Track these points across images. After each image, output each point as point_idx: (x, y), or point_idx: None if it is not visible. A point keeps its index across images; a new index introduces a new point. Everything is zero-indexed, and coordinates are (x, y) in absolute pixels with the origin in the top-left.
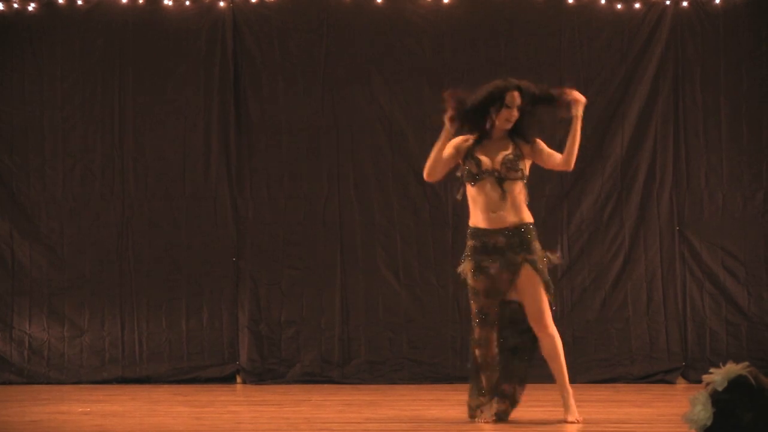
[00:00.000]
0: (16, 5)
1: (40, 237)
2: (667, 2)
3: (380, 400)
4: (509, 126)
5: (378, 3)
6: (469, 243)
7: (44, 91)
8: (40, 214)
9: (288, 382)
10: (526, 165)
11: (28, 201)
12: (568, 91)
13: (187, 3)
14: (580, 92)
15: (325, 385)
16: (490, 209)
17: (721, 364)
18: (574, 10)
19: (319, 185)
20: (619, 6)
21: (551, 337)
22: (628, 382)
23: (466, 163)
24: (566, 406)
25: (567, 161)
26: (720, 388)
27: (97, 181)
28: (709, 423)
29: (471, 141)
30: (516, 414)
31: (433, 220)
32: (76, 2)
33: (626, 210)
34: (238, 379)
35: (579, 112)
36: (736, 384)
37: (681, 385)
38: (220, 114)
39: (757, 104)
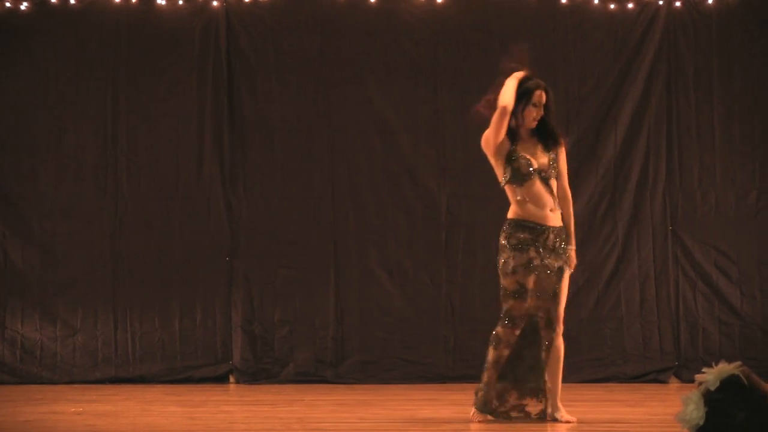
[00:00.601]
0: (8, 4)
1: (32, 237)
2: (660, 2)
3: (373, 400)
4: (534, 124)
5: (371, 3)
6: (521, 235)
7: (37, 90)
8: (32, 214)
9: (281, 382)
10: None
11: (20, 200)
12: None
13: (181, 2)
14: (574, 92)
15: (319, 385)
16: (547, 206)
17: (713, 364)
18: (567, 10)
19: (313, 185)
20: (612, 6)
21: (561, 344)
22: (621, 382)
23: (512, 164)
24: (557, 407)
25: (563, 200)
26: (712, 388)
27: (90, 180)
28: (701, 422)
29: (507, 143)
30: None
31: (427, 219)
32: (69, 1)
33: (619, 210)
34: (232, 379)
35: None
36: (728, 383)
37: (674, 384)
38: (214, 113)
39: (750, 104)
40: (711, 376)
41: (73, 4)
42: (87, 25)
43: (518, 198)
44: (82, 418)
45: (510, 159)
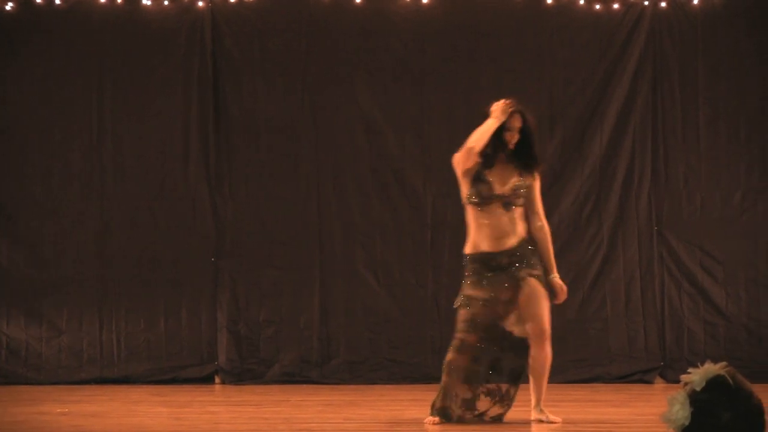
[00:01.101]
0: None
1: (18, 237)
2: (646, 3)
3: (359, 400)
4: (510, 147)
5: (357, 3)
6: (471, 266)
7: (23, 90)
8: (18, 214)
9: (267, 383)
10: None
11: (7, 200)
12: (557, 298)
13: (166, 3)
14: (559, 93)
15: (305, 386)
16: (495, 235)
17: (699, 364)
18: (553, 11)
19: (299, 185)
20: (597, 6)
21: (547, 356)
22: (606, 382)
23: (474, 185)
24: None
25: (532, 229)
26: (698, 388)
27: (76, 180)
28: (687, 423)
29: (480, 165)
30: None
31: (413, 220)
32: (54, 2)
33: (605, 210)
34: (217, 380)
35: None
36: (714, 384)
37: (659, 384)
38: (200, 114)
39: (735, 105)
40: (696, 376)
41: (59, 5)
42: (73, 25)
43: (477, 220)
44: (67, 419)
45: (476, 179)
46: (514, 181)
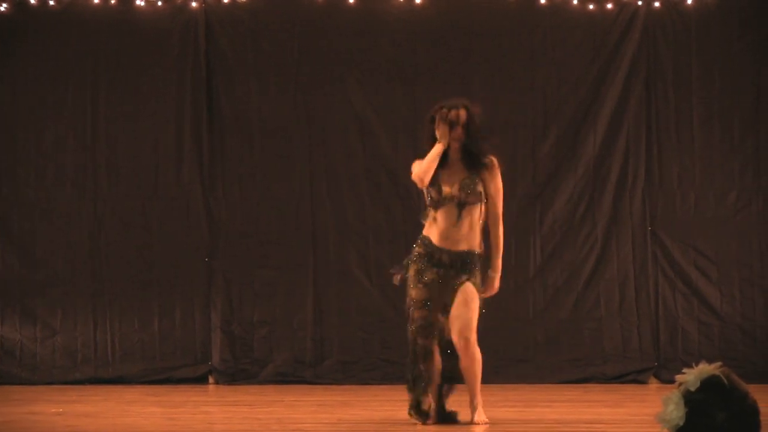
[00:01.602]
0: None
1: (12, 237)
2: (639, 3)
3: (353, 401)
4: (456, 144)
5: (350, 3)
6: (417, 249)
7: (16, 91)
8: (11, 215)
9: (261, 383)
10: (485, 187)
11: (0, 201)
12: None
13: (159, 3)
14: (553, 93)
15: (298, 386)
16: (445, 234)
17: (693, 364)
18: (546, 11)
19: (292, 185)
20: (591, 6)
21: (473, 355)
22: (600, 382)
23: (429, 190)
24: (475, 408)
25: (492, 225)
26: (693, 388)
27: (70, 181)
28: (681, 423)
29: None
30: (488, 414)
31: (406, 220)
32: (48, 2)
33: (599, 210)
34: (211, 380)
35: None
36: (708, 384)
37: (653, 385)
38: (193, 114)
39: (729, 104)
40: (691, 376)
41: (53, 6)
42: (66, 26)
43: (433, 216)
44: (62, 419)
45: (431, 184)
46: (462, 179)
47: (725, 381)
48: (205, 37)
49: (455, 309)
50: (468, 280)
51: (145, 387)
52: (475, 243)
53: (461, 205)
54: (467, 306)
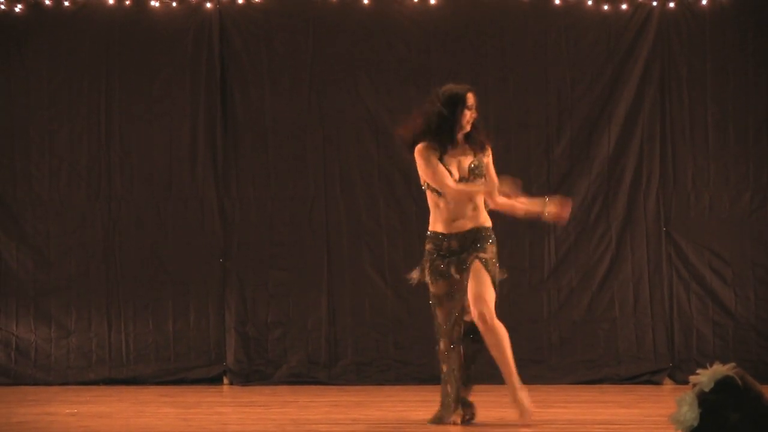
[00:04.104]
0: (2, 6)
1: (26, 238)
2: (654, 3)
3: (367, 401)
4: (469, 128)
5: (364, 4)
6: (427, 247)
7: (30, 91)
8: (26, 215)
9: (275, 383)
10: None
11: (14, 202)
12: (564, 212)
13: (174, 4)
14: (567, 93)
15: (312, 386)
16: (452, 217)
17: (707, 365)
18: (560, 11)
19: (306, 186)
20: (605, 7)
21: (494, 329)
22: (614, 383)
23: None
24: (516, 403)
25: (497, 205)
26: (707, 389)
27: (84, 182)
28: (695, 423)
29: (438, 151)
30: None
31: (420, 220)
32: (62, 3)
33: (613, 210)
34: (225, 380)
35: (548, 218)
36: (722, 385)
37: (668, 385)
38: (207, 115)
39: (743, 105)
40: (705, 377)
41: (67, 6)
42: (80, 26)
43: (435, 203)
44: (76, 419)
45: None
46: (470, 161)
47: (739, 382)
48: (219, 38)
49: (468, 289)
50: (477, 257)
51: (159, 388)
52: (482, 219)
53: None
54: (477, 281)
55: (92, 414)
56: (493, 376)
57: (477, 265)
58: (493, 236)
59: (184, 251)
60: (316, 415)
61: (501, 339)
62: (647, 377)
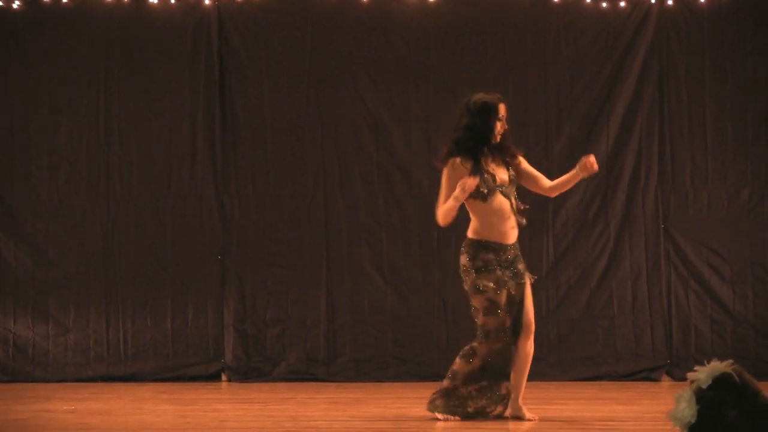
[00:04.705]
0: (0, 3)
1: (25, 236)
2: (652, 1)
3: (365, 398)
4: (499, 139)
5: (363, 1)
6: (485, 256)
7: (29, 89)
8: (25, 213)
9: (273, 380)
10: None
11: (13, 200)
12: (589, 161)
13: (173, 1)
14: (566, 91)
15: (311, 383)
16: (509, 224)
17: (705, 362)
18: (559, 9)
19: (305, 183)
20: (604, 5)
21: (531, 350)
22: (613, 380)
23: (483, 178)
24: (518, 409)
25: (551, 192)
26: (705, 386)
27: (83, 180)
28: (693, 420)
29: (471, 161)
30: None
31: (419, 218)
32: (61, 1)
33: (611, 208)
34: (224, 377)
35: (584, 175)
36: (720, 381)
37: (666, 382)
38: (206, 112)
39: (741, 103)
40: (703, 374)
41: (66, 3)
42: (79, 24)
43: (482, 211)
44: (74, 416)
45: (476, 171)
46: (506, 172)
47: (737, 379)
48: (218, 35)
49: (527, 301)
50: (526, 271)
51: (157, 384)
52: (517, 231)
53: (506, 195)
54: (530, 298)
55: (90, 411)
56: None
57: (528, 281)
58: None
59: (183, 249)
60: (315, 412)
61: (530, 356)
62: (645, 374)
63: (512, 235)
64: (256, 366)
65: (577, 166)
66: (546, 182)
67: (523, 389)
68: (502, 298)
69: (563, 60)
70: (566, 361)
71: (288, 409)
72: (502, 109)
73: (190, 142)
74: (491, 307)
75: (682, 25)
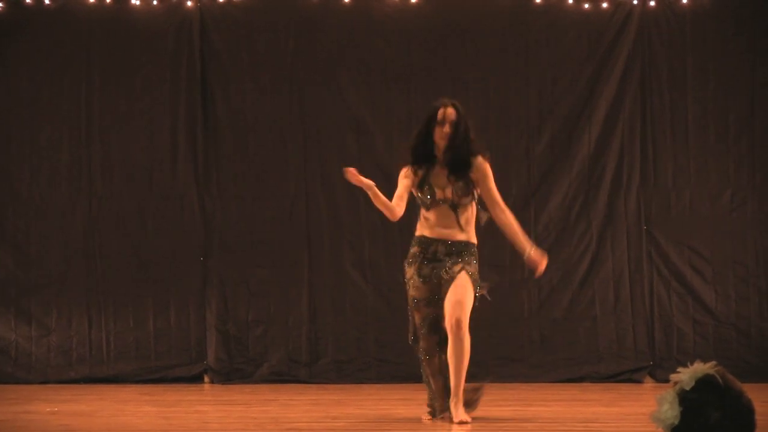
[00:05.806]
0: None
1: (6, 236)
2: (635, 2)
3: (347, 400)
4: (443, 143)
5: (345, 3)
6: (412, 250)
7: (10, 89)
8: (6, 213)
9: (255, 382)
10: (478, 186)
11: None
12: (540, 268)
13: (155, 2)
14: (548, 92)
15: (293, 385)
16: (441, 225)
17: (688, 363)
18: (541, 10)
19: (286, 184)
20: (586, 5)
21: (463, 339)
22: (595, 381)
23: (420, 192)
24: (449, 411)
25: (497, 222)
26: (687, 387)
27: (64, 180)
28: (676, 422)
29: (423, 169)
30: (483, 412)
31: (401, 218)
32: (43, 1)
33: (593, 209)
34: (206, 379)
35: (527, 263)
36: (703, 383)
37: (648, 384)
38: (187, 113)
39: (724, 104)
40: (686, 375)
41: (48, 4)
42: (61, 24)
43: (425, 215)
44: (56, 418)
45: (420, 187)
46: (454, 183)
47: (720, 380)
48: (200, 37)
49: (449, 293)
50: (463, 269)
51: (139, 386)
52: (471, 235)
53: (454, 206)
54: (461, 289)
55: (72, 412)
56: (474, 375)
57: (464, 275)
58: (476, 253)
59: (165, 249)
60: (297, 414)
61: (466, 350)
62: (628, 375)
63: (448, 236)
64: (238, 367)
65: (527, 257)
66: (498, 213)
67: (460, 388)
68: (421, 293)
69: (545, 61)
70: (548, 362)
71: (270, 410)
72: (440, 113)
73: (171, 142)
74: (412, 302)
75: (664, 26)
